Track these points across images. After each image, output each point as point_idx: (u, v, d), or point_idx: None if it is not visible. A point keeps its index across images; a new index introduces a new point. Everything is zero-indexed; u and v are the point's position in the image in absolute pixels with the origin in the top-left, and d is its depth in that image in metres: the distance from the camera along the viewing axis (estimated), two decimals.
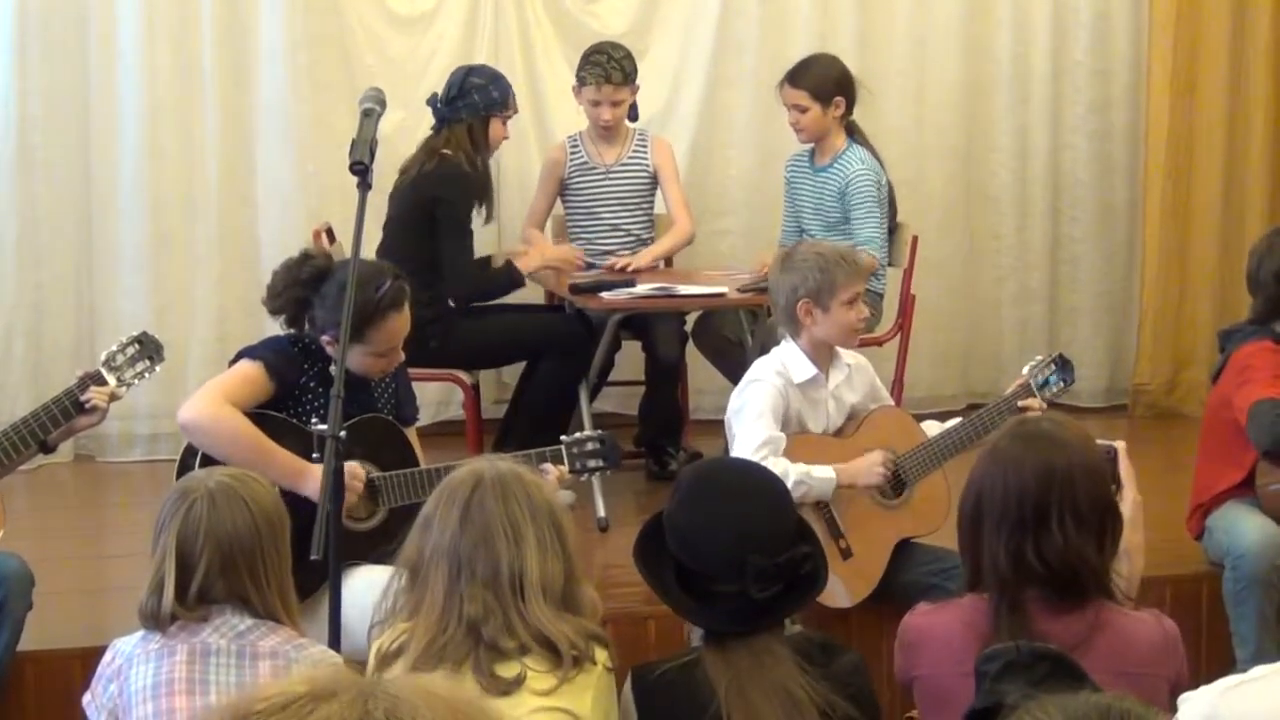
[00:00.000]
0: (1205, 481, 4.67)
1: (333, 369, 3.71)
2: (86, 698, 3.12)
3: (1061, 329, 7.06)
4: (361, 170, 3.48)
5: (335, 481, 3.32)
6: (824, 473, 4.26)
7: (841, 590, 4.32)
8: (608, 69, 5.88)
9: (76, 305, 6.22)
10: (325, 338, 3.97)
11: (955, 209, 6.89)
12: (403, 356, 4.11)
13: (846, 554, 4.34)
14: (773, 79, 5.99)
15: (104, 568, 5.15)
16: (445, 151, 5.46)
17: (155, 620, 3.03)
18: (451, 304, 5.50)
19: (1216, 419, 4.64)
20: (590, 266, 5.85)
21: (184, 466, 3.86)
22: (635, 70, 5.96)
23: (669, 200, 6.10)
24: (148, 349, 4.24)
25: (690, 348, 6.02)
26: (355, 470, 3.90)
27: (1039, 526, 2.93)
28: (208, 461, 3.80)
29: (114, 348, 4.21)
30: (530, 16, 6.57)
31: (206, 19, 6.22)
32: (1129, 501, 3.25)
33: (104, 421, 4.19)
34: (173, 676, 2.99)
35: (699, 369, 6.18)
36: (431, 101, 5.58)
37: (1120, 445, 3.34)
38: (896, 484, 4.40)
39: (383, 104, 3.66)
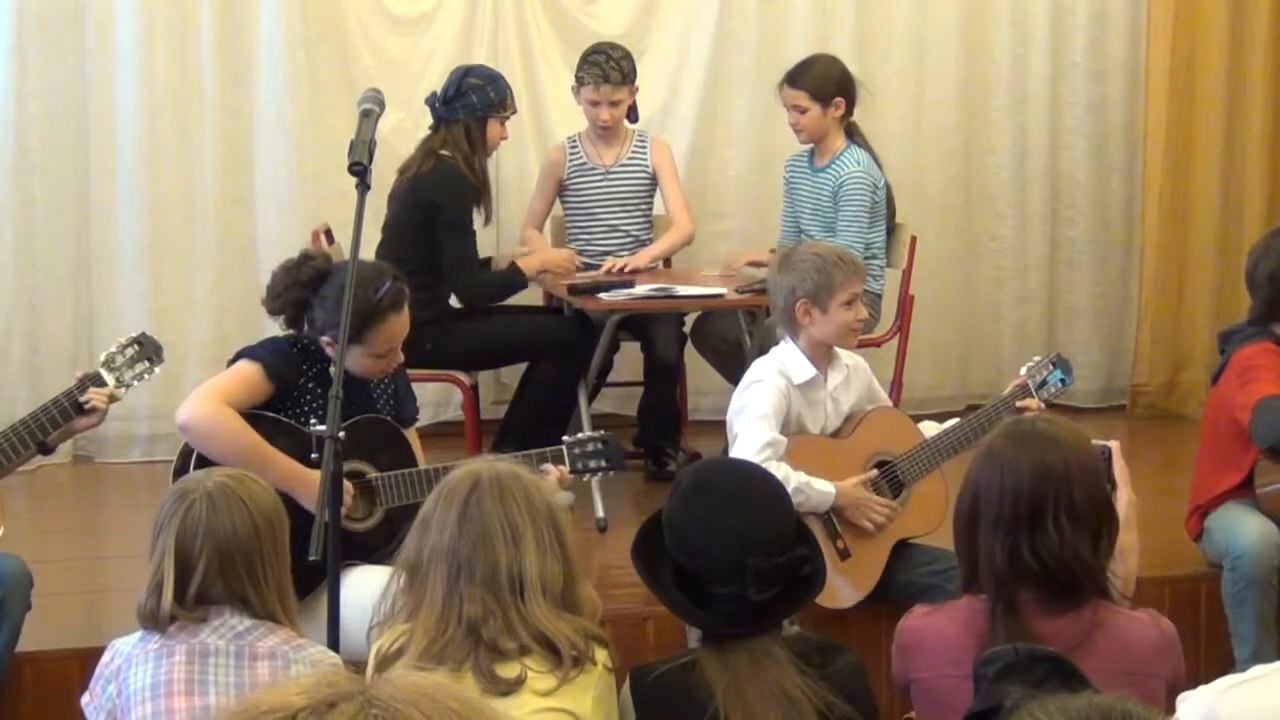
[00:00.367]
0: (1204, 482, 4.67)
1: (332, 370, 3.71)
2: (85, 698, 3.11)
3: (1060, 329, 7.06)
4: (360, 171, 3.47)
5: (334, 483, 3.31)
6: (824, 487, 4.25)
7: (840, 591, 4.31)
8: (606, 69, 5.88)
9: (75, 306, 6.21)
10: (324, 339, 3.96)
11: (954, 210, 6.89)
12: (402, 358, 4.11)
13: (844, 555, 4.34)
14: (772, 79, 5.99)
15: (102, 568, 5.14)
16: (443, 152, 5.45)
17: (154, 621, 3.02)
18: (455, 305, 5.49)
19: (1216, 420, 4.64)
20: (588, 268, 5.85)
21: (180, 471, 3.85)
22: (634, 70, 5.96)
23: (669, 200, 6.09)
24: (147, 350, 4.23)
25: (689, 348, 6.03)
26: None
27: (1035, 525, 2.93)
28: (203, 465, 3.79)
29: (113, 349, 4.20)
30: (529, 17, 6.57)
31: (205, 21, 6.21)
32: (1124, 501, 3.25)
33: (103, 423, 4.19)
34: (171, 677, 2.99)
35: (698, 370, 6.18)
36: (430, 101, 5.58)
37: (1115, 445, 3.35)
38: (894, 484, 4.41)
39: (381, 105, 3.66)
